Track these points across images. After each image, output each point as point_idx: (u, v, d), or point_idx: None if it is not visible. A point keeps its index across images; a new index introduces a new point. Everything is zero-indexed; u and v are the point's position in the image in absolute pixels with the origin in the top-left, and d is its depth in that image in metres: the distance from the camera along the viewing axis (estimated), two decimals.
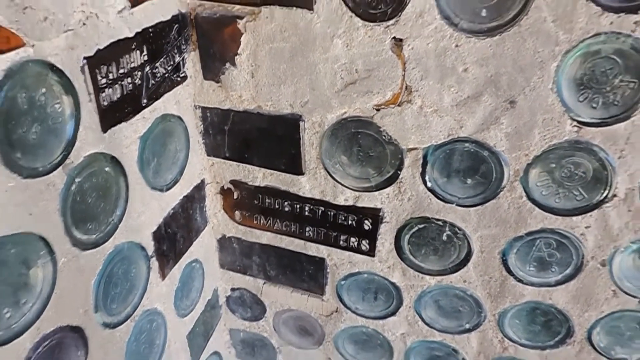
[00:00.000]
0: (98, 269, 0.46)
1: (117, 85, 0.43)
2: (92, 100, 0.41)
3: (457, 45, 0.43)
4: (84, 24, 0.39)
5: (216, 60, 0.51)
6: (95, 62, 0.40)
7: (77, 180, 0.41)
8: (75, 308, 0.44)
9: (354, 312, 0.66)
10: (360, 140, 0.51)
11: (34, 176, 0.37)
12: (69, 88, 0.38)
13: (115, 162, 0.45)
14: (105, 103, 0.42)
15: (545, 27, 0.41)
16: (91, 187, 0.42)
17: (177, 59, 0.51)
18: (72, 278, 0.42)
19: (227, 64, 0.51)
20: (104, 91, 0.41)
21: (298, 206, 0.59)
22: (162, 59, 0.48)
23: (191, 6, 0.49)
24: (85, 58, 0.39)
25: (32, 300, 0.39)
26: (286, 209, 0.60)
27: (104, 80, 0.41)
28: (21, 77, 0.34)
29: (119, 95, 0.43)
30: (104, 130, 0.43)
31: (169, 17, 0.48)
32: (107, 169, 0.44)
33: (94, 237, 0.45)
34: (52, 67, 0.36)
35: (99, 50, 0.40)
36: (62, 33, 0.37)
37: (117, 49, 0.42)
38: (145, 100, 0.47)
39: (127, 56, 0.43)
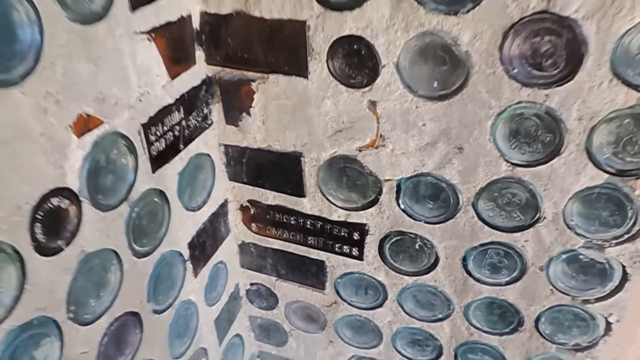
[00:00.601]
0: (149, 272, 0.60)
1: (162, 139, 0.57)
2: (146, 152, 0.55)
3: (416, 107, 0.56)
4: (140, 100, 0.53)
5: (235, 111, 0.66)
6: (148, 125, 0.54)
7: (135, 209, 0.55)
8: (134, 299, 0.59)
9: (349, 304, 0.80)
10: (348, 173, 0.65)
11: (109, 210, 0.52)
12: (131, 147, 0.53)
13: (161, 193, 0.59)
14: (155, 153, 0.56)
15: (481, 96, 0.54)
16: (145, 213, 0.57)
17: (205, 110, 0.65)
18: (133, 278, 0.57)
19: (244, 114, 0.66)
20: (153, 145, 0.56)
21: (301, 220, 0.73)
22: (194, 113, 0.63)
23: (216, 71, 0.63)
24: (141, 124, 0.53)
25: (108, 294, 0.54)
26: (292, 222, 0.74)
27: (153, 138, 0.56)
28: (102, 145, 0.48)
29: (163, 146, 0.58)
30: (153, 171, 0.57)
31: (199, 82, 0.62)
32: (155, 199, 0.59)
33: (147, 249, 0.59)
34: (120, 135, 0.51)
35: (150, 117, 0.54)
36: (126, 110, 0.51)
37: (162, 113, 0.56)
38: (182, 146, 0.62)
39: (169, 117, 0.58)
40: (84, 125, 0.46)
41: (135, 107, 0.53)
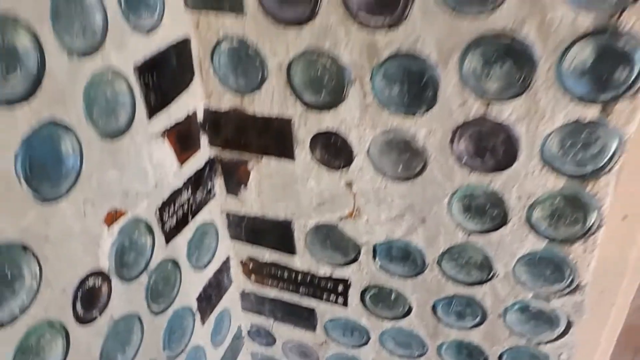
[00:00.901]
0: (165, 326, 0.71)
1: (174, 216, 0.68)
2: (161, 229, 0.66)
3: (385, 187, 0.67)
4: (155, 187, 0.64)
5: (235, 185, 0.77)
6: (162, 208, 0.65)
7: (153, 276, 0.66)
8: (152, 350, 0.69)
9: (337, 343, 0.90)
10: (331, 237, 0.75)
11: (132, 280, 0.62)
12: (150, 228, 0.63)
13: (173, 261, 0.71)
14: (168, 230, 0.67)
15: (438, 179, 0.64)
16: (161, 279, 0.68)
17: (209, 185, 0.76)
18: (151, 333, 0.67)
19: (242, 187, 0.77)
20: (167, 223, 0.67)
21: (293, 274, 0.83)
22: (199, 189, 0.74)
23: (217, 151, 0.75)
24: (157, 208, 0.65)
25: (131, 349, 0.64)
26: (285, 276, 0.84)
27: (166, 217, 0.67)
28: (126, 230, 0.59)
29: (174, 222, 0.69)
30: (167, 243, 0.68)
31: (203, 164, 0.73)
32: (169, 267, 0.69)
33: (163, 307, 0.69)
34: (140, 220, 0.62)
35: (163, 201, 0.65)
36: (145, 199, 0.62)
37: (173, 195, 0.67)
38: (190, 217, 0.73)
39: (179, 197, 0.69)
40: (112, 218, 0.57)
41: (152, 195, 0.63)
